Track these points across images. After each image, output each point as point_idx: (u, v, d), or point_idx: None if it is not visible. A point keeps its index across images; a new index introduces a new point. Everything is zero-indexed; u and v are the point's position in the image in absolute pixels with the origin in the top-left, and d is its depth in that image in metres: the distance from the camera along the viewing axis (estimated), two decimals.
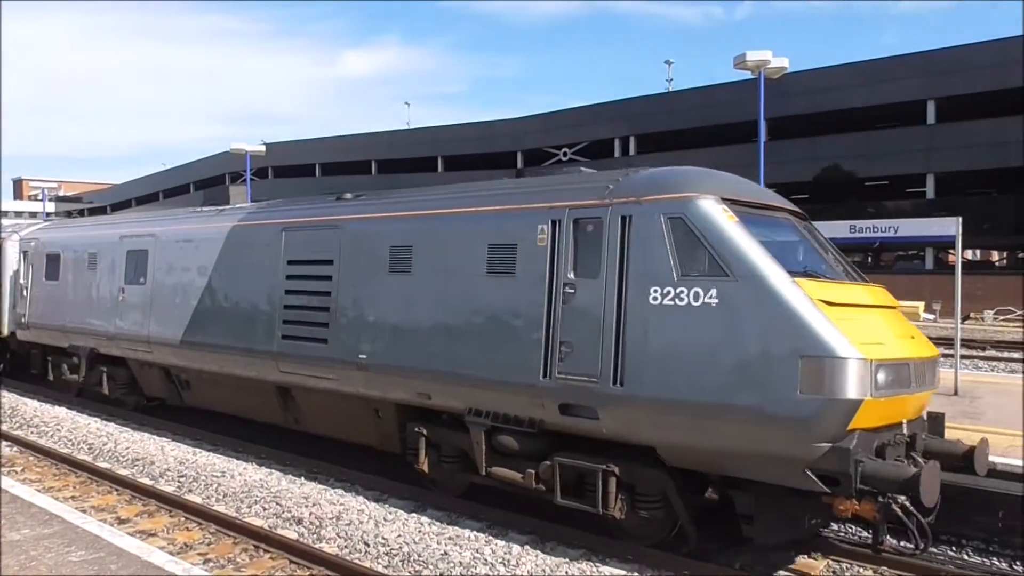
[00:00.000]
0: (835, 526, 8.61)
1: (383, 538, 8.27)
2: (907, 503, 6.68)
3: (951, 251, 34.13)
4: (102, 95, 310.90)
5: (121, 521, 9.04)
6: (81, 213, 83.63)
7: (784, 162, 38.26)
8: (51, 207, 73.53)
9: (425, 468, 9.33)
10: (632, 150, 49.63)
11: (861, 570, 7.78)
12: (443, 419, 9.18)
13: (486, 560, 7.68)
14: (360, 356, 9.68)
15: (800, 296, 6.66)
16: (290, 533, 8.58)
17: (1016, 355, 21.53)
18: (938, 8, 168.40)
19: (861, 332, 6.72)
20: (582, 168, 9.43)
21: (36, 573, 6.44)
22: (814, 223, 8.79)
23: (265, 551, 8.04)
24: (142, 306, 13.72)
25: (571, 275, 7.83)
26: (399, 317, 9.37)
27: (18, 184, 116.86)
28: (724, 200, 7.36)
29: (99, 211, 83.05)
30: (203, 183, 75.19)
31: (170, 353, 13.09)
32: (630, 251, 7.45)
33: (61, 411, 15.57)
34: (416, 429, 9.34)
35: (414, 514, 9.12)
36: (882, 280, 8.20)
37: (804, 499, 6.95)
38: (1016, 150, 36.60)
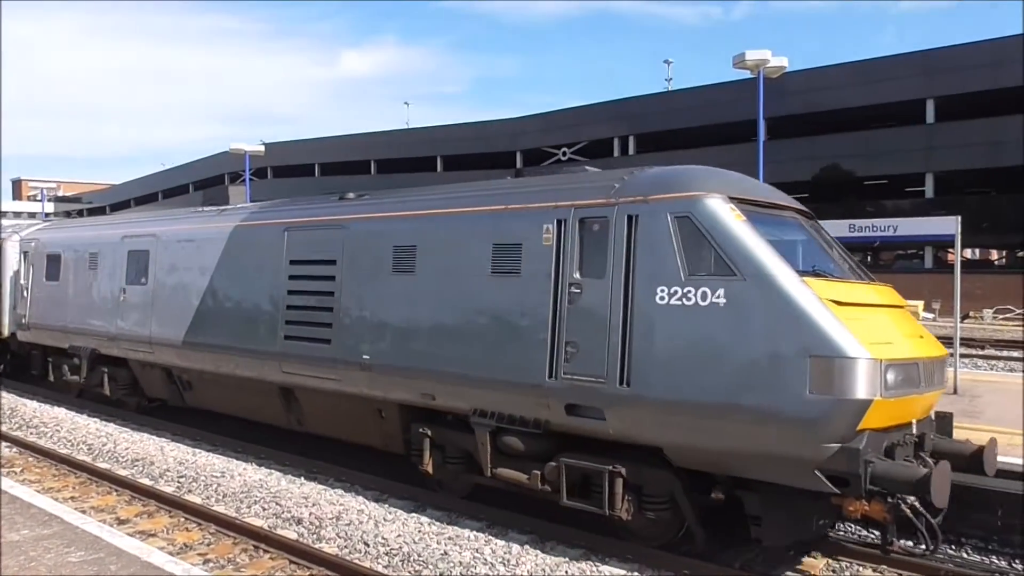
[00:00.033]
0: (835, 525, 8.60)
1: (383, 538, 8.26)
2: (916, 504, 6.64)
3: (950, 250, 34.12)
4: (101, 95, 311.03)
5: (121, 521, 9.04)
6: (80, 213, 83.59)
7: (783, 161, 38.22)
8: (50, 207, 73.50)
9: (430, 469, 9.28)
10: (631, 150, 49.63)
11: (861, 569, 7.79)
12: (447, 420, 9.15)
13: (486, 560, 7.68)
14: (364, 356, 9.64)
15: (809, 295, 6.61)
16: (290, 533, 8.57)
17: (1015, 354, 21.54)
18: (936, 8, 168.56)
19: (870, 332, 6.68)
20: (587, 167, 9.36)
21: (36, 574, 6.44)
22: None
23: (265, 551, 8.04)
24: (143, 306, 13.68)
25: (577, 275, 7.78)
26: (403, 317, 9.33)
27: (17, 184, 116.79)
28: (731, 199, 7.32)
29: (98, 211, 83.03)
30: (202, 183, 75.17)
31: (172, 354, 13.05)
32: (637, 250, 7.41)
33: (60, 412, 15.56)
34: (420, 430, 9.29)
35: (414, 514, 9.11)
36: (882, 279, 8.18)
37: (813, 500, 6.91)
38: (1015, 149, 36.65)
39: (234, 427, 13.29)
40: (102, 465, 11.63)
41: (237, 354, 11.61)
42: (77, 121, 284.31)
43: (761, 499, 7.13)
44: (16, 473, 11.20)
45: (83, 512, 8.83)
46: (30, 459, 12.03)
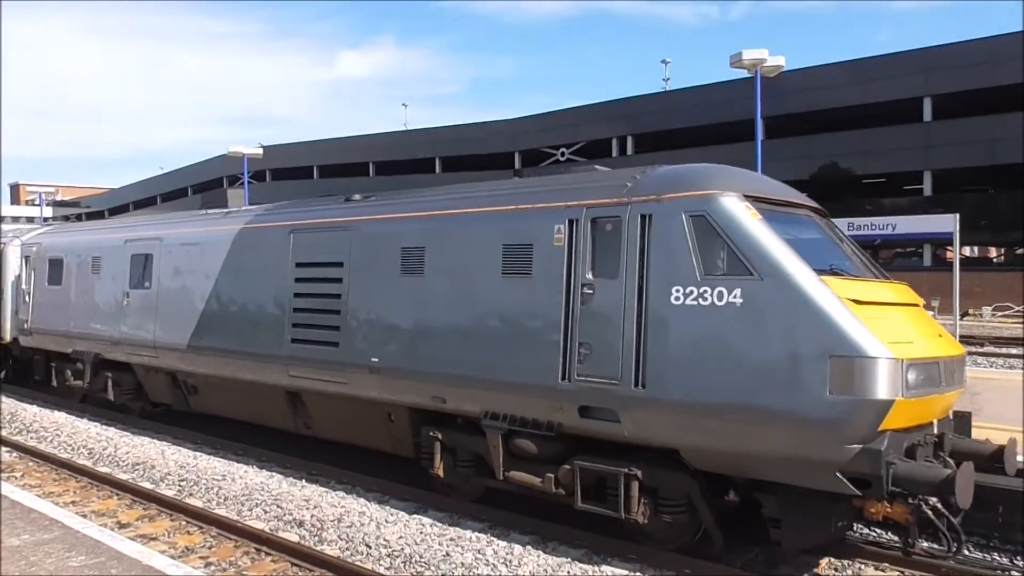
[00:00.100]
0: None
1: (385, 540, 8.26)
2: (938, 505, 6.57)
3: (949, 248, 34.15)
4: (99, 96, 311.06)
5: (122, 525, 9.03)
6: (79, 217, 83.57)
7: (781, 160, 38.18)
8: (48, 212, 73.41)
9: (440, 473, 9.21)
10: (629, 150, 49.64)
11: (863, 567, 7.79)
12: (458, 423, 9.08)
13: (488, 561, 7.68)
14: (372, 359, 9.57)
15: (828, 295, 6.53)
16: (291, 536, 8.57)
17: (1015, 351, 21.56)
18: (933, 7, 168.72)
19: (890, 331, 6.60)
20: (597, 166, 9.25)
21: None
22: None
23: (266, 554, 8.04)
24: (147, 310, 13.63)
25: (589, 275, 7.70)
26: (412, 319, 9.25)
27: (15, 189, 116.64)
28: (746, 197, 7.23)
29: (97, 215, 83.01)
30: (201, 187, 75.20)
31: (176, 358, 12.99)
32: (651, 250, 7.32)
33: (61, 416, 15.55)
34: (431, 434, 9.22)
35: (416, 515, 9.11)
36: None
37: (833, 502, 6.83)
38: (1012, 147, 36.68)
39: (235, 431, 13.28)
40: (103, 469, 11.62)
41: (243, 358, 11.54)
42: (75, 123, 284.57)
43: (780, 501, 7.04)
44: (16, 478, 11.20)
45: (84, 516, 8.83)
46: (30, 464, 12.02)
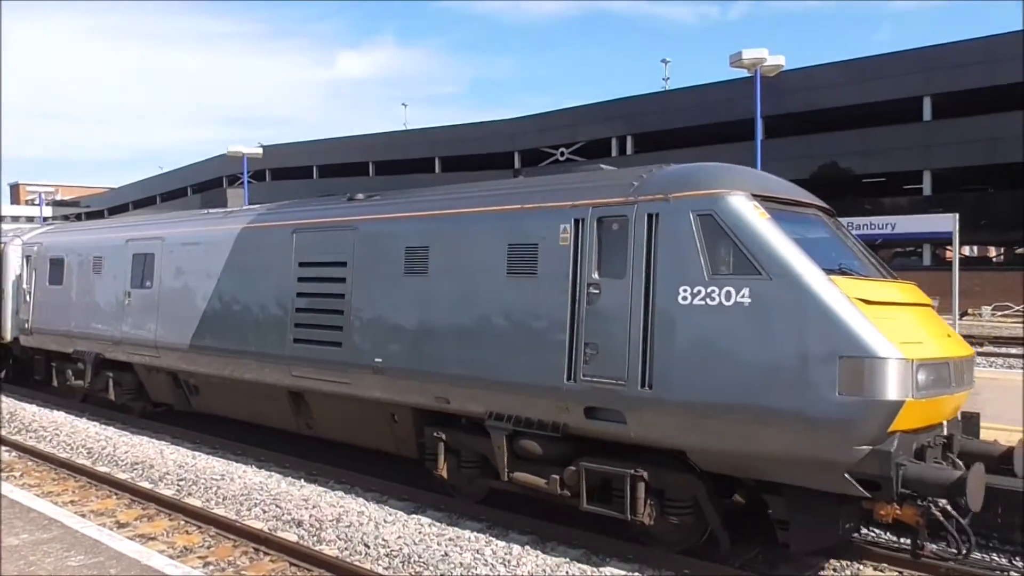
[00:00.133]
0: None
1: (383, 540, 8.26)
2: (948, 506, 6.52)
3: (948, 247, 34.16)
4: (99, 97, 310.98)
5: (120, 525, 9.03)
6: (78, 217, 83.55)
7: (781, 160, 38.21)
8: (48, 211, 73.39)
9: (444, 474, 9.17)
10: (629, 150, 49.64)
11: (862, 568, 7.78)
12: (462, 423, 9.04)
13: (486, 561, 7.67)
14: (376, 360, 9.53)
15: (837, 294, 6.48)
16: (290, 535, 8.57)
17: (1014, 351, 21.56)
18: (933, 7, 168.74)
19: (900, 331, 6.55)
20: (602, 166, 9.19)
21: None
22: None
23: (265, 554, 8.04)
24: (149, 310, 13.60)
25: (595, 275, 7.66)
26: (416, 319, 9.20)
27: (15, 188, 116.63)
28: (755, 196, 7.17)
29: (97, 215, 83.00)
30: (200, 186, 75.20)
31: (178, 358, 12.96)
32: (658, 250, 7.26)
33: (60, 416, 15.54)
34: (435, 434, 9.17)
35: (414, 515, 9.11)
36: None
37: (841, 504, 6.78)
38: (1012, 146, 36.70)
39: (234, 430, 13.28)
40: (102, 469, 11.62)
41: (245, 358, 11.50)
42: (75, 123, 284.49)
43: (788, 503, 7.00)
44: (16, 477, 11.20)
45: (83, 516, 8.83)
46: (29, 463, 12.02)
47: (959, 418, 7.66)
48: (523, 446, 8.18)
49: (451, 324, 8.82)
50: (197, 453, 12.35)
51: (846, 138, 42.31)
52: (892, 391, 6.24)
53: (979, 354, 20.83)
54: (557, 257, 7.93)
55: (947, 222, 21.55)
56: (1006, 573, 7.67)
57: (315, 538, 8.53)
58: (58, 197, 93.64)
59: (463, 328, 8.69)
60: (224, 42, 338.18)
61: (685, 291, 7.02)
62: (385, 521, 8.85)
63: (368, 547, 8.14)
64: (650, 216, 7.39)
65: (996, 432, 9.04)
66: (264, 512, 9.39)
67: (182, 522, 9.07)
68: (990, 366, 18.92)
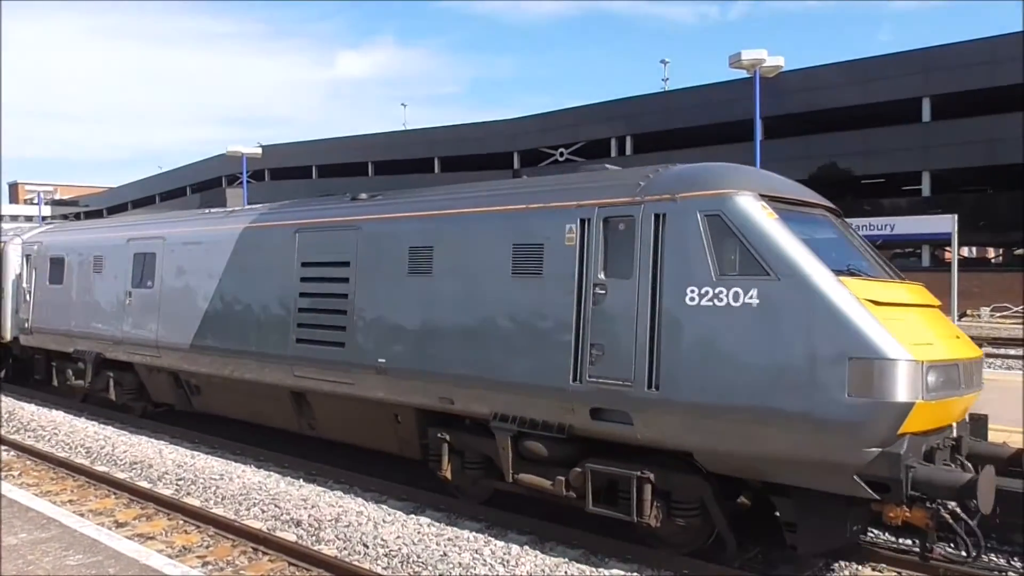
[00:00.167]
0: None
1: (382, 539, 8.26)
2: (957, 509, 6.50)
3: (947, 248, 34.19)
4: (99, 97, 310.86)
5: (119, 524, 9.03)
6: (77, 216, 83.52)
7: (780, 161, 38.16)
8: (47, 211, 73.37)
9: (448, 475, 9.14)
10: (628, 150, 49.63)
11: (860, 568, 7.78)
12: (466, 424, 9.01)
13: (485, 561, 7.68)
14: (379, 360, 9.49)
15: (846, 295, 6.44)
16: (289, 535, 8.57)
17: (1013, 352, 21.57)
18: (933, 7, 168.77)
19: (909, 332, 6.51)
20: (607, 165, 9.16)
21: None
22: None
23: (264, 553, 8.03)
24: (150, 310, 13.57)
25: (601, 275, 7.62)
26: (420, 320, 9.16)
27: (13, 188, 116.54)
28: (762, 196, 7.14)
29: (95, 214, 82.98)
30: (199, 186, 75.15)
31: (179, 358, 12.93)
32: (664, 250, 7.23)
33: (58, 415, 15.54)
34: (439, 435, 9.13)
35: (413, 515, 9.10)
36: None
37: (849, 506, 6.75)
38: (1011, 147, 36.70)
39: (233, 430, 13.27)
40: (100, 468, 11.61)
41: (247, 358, 11.48)
42: (74, 123, 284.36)
43: (796, 505, 6.96)
44: (14, 476, 11.19)
45: (81, 515, 8.83)
46: (28, 462, 12.02)
47: (967, 420, 7.63)
48: (528, 447, 8.15)
49: (455, 324, 8.79)
50: (196, 453, 12.35)
51: (845, 139, 42.31)
52: (902, 393, 6.21)
53: None
54: (562, 257, 7.89)
55: (946, 223, 21.60)
56: (1004, 573, 7.67)
57: (314, 538, 8.53)
58: (57, 196, 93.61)
59: (467, 328, 8.65)
60: (224, 42, 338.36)
61: (692, 292, 6.99)
62: (384, 521, 8.85)
63: (367, 547, 8.14)
64: (657, 216, 7.35)
65: (996, 433, 9.03)
66: (263, 512, 9.39)
67: (181, 521, 9.07)
68: (989, 367, 18.93)
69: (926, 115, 40.68)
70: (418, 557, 7.78)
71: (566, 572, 7.41)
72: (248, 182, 46.26)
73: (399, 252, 9.50)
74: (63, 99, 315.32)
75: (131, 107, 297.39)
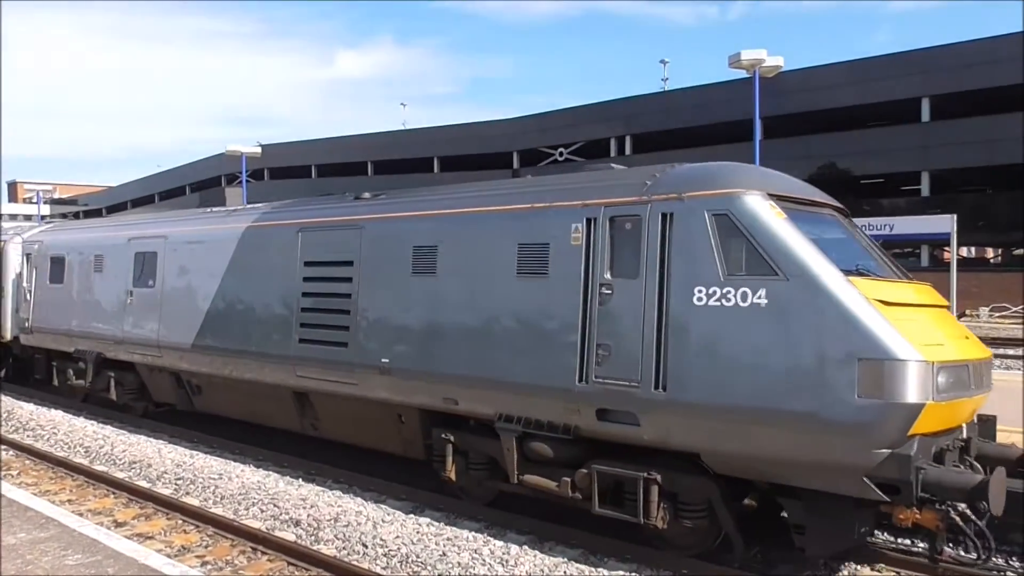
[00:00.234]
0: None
1: (381, 539, 8.25)
2: (967, 511, 6.46)
3: (946, 248, 34.20)
4: (97, 96, 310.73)
5: (118, 524, 9.02)
6: (77, 215, 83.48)
7: (780, 161, 38.22)
8: (46, 210, 73.32)
9: (452, 476, 9.09)
10: (628, 150, 49.64)
11: (859, 568, 7.78)
12: (471, 425, 8.97)
13: (484, 561, 7.67)
14: (383, 360, 9.45)
15: (856, 296, 6.39)
16: (288, 535, 8.56)
17: (1012, 352, 21.58)
18: (933, 7, 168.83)
19: (919, 333, 6.47)
20: (613, 165, 9.11)
21: None
22: None
23: (263, 553, 8.03)
24: (151, 309, 13.52)
25: (608, 275, 7.56)
26: (424, 320, 9.11)
27: (12, 187, 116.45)
28: (771, 196, 7.08)
29: (95, 214, 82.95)
30: (199, 185, 75.14)
31: (180, 357, 12.89)
32: (672, 250, 7.18)
33: (58, 414, 15.53)
34: (443, 436, 9.08)
35: (412, 515, 9.10)
36: None
37: (858, 508, 6.68)
38: (1010, 147, 36.73)
39: (232, 429, 13.26)
40: (99, 467, 11.61)
41: (249, 358, 11.43)
42: (73, 122, 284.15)
43: (804, 507, 6.90)
44: (13, 476, 11.18)
45: (80, 515, 8.83)
46: (27, 462, 12.01)
47: (975, 421, 7.59)
48: (533, 448, 8.11)
49: (460, 324, 8.74)
50: (195, 452, 12.34)
51: (845, 139, 42.34)
52: (912, 394, 6.16)
53: None
54: (568, 257, 7.85)
55: (945, 223, 21.62)
56: (1004, 573, 7.67)
57: (313, 537, 8.52)
58: (56, 196, 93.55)
59: (472, 329, 8.61)
60: (223, 42, 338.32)
61: (700, 291, 6.95)
62: (383, 521, 8.85)
63: (366, 547, 8.13)
64: (664, 216, 7.31)
65: (995, 434, 9.03)
66: (262, 511, 9.38)
67: (180, 521, 9.06)
68: None
69: (925, 115, 40.71)
70: (417, 557, 7.77)
71: (565, 572, 7.41)
72: (247, 181, 46.27)
73: (403, 252, 9.46)
74: (63, 99, 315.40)
75: (131, 107, 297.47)
